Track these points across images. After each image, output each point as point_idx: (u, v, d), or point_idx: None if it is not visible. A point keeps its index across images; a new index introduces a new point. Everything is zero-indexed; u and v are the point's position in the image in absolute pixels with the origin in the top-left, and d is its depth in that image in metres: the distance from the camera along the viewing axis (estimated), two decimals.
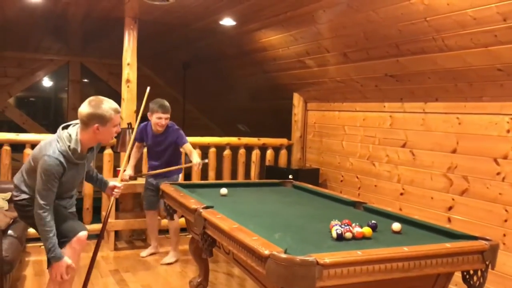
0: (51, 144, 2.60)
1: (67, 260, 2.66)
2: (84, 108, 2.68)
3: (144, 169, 5.22)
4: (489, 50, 3.25)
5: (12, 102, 8.76)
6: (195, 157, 4.19)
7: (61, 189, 2.70)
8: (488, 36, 3.16)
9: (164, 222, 4.95)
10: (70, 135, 2.64)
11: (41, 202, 2.57)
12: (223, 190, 3.65)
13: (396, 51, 3.96)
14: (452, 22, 3.27)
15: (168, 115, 4.35)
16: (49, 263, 2.69)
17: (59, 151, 2.58)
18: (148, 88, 2.77)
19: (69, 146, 2.60)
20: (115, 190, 3.19)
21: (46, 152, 2.57)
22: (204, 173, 5.58)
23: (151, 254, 4.75)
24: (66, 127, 2.72)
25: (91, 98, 2.70)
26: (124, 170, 4.16)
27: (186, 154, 4.60)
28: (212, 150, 5.60)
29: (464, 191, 3.86)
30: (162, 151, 4.45)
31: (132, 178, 4.66)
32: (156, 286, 3.92)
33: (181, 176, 4.77)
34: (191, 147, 4.36)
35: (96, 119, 2.65)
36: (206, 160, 4.53)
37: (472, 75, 3.58)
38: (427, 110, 4.24)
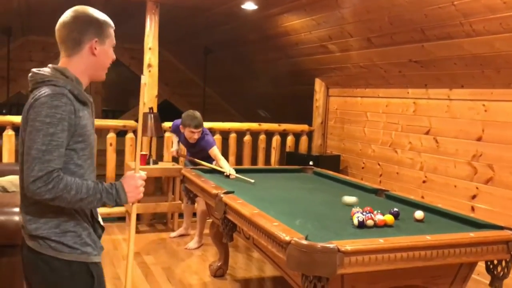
0: (39, 90, 1.61)
1: (129, 177, 1.72)
2: (68, 18, 1.68)
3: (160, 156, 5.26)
4: None
5: None
6: (225, 166, 3.97)
7: (85, 156, 1.68)
8: None
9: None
10: (54, 68, 1.67)
11: (43, 171, 1.51)
12: (350, 199, 2.89)
13: (421, 36, 3.87)
14: (480, 6, 3.17)
15: (200, 130, 4.30)
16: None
17: (57, 85, 1.61)
18: (143, 78, 1.86)
19: (66, 76, 1.65)
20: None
21: (38, 97, 1.58)
22: (224, 158, 5.57)
23: (181, 235, 4.81)
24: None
25: (72, 8, 1.73)
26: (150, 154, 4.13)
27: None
28: (233, 136, 5.60)
29: (489, 179, 3.78)
30: (196, 153, 4.45)
31: (178, 154, 4.83)
32: (177, 269, 3.97)
33: None
34: (216, 152, 4.25)
35: (93, 30, 1.69)
36: (248, 179, 3.64)
37: (500, 61, 3.48)
38: (452, 96, 4.15)
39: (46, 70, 1.66)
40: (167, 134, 5.29)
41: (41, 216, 1.61)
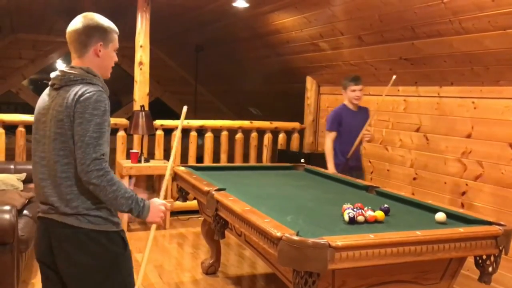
0: (75, 87, 1.88)
1: (156, 201, 2.04)
2: (78, 23, 1.95)
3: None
4: (507, 33, 3.18)
5: (26, 84, 8.83)
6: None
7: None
8: (507, 18, 3.09)
9: (177, 204, 4.95)
10: (81, 68, 1.94)
11: (98, 153, 1.79)
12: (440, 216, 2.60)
13: (411, 34, 3.89)
14: (470, 4, 3.20)
15: (361, 87, 4.22)
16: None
17: (92, 83, 1.91)
18: (185, 108, 2.24)
19: (94, 75, 1.95)
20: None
21: (82, 94, 1.84)
22: (216, 156, 5.59)
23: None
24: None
25: (82, 14, 2.00)
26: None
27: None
28: (224, 133, 5.60)
29: (478, 176, 3.82)
30: (356, 132, 4.16)
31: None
32: (169, 267, 3.97)
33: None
34: None
35: (98, 34, 1.95)
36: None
37: (489, 59, 3.51)
38: (442, 94, 4.18)
39: (76, 69, 1.92)
40: (158, 132, 5.27)
41: (78, 197, 1.86)
